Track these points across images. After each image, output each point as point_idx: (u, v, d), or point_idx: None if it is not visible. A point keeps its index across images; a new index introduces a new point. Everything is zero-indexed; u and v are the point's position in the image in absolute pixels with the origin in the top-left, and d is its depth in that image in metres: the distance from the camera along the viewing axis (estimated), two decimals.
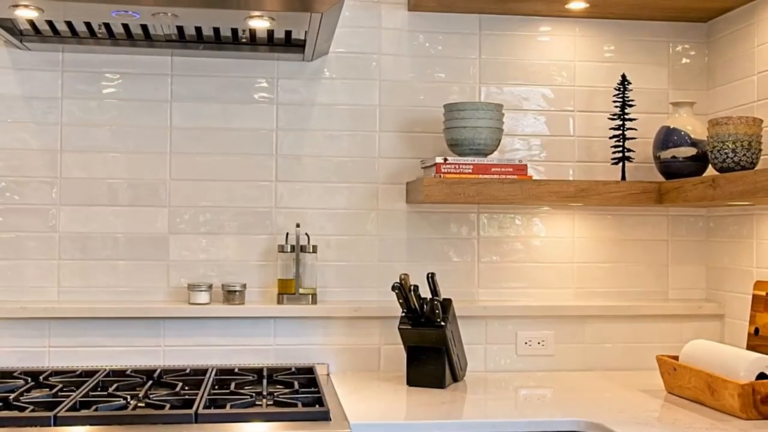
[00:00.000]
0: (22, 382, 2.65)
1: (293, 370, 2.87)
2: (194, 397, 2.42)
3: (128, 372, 2.79)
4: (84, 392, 2.47)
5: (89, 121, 2.99)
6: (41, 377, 2.69)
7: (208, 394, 2.45)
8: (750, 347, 2.79)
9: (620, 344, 3.15)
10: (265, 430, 2.18)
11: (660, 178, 3.09)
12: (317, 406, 2.35)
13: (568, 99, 3.20)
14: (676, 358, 2.70)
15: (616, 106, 3.11)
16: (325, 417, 2.26)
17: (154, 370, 2.80)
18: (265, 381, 2.72)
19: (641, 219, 3.23)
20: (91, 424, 2.18)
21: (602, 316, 3.14)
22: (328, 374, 2.98)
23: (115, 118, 3.00)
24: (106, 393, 2.48)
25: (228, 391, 2.52)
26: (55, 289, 2.96)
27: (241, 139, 3.05)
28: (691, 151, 2.92)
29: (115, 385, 2.58)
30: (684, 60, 3.26)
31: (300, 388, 2.59)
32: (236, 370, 2.84)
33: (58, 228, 2.97)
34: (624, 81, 3.03)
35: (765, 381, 2.33)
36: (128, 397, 2.40)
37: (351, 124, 3.11)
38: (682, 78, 3.26)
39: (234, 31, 2.77)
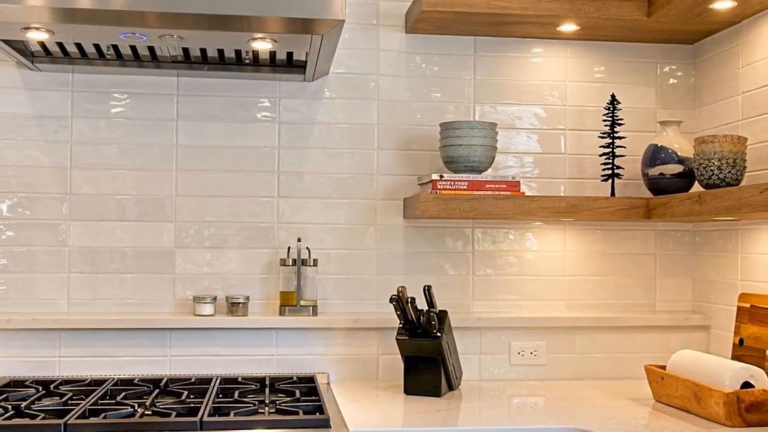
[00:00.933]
0: (33, 390, 2.66)
1: (295, 379, 2.88)
2: (199, 405, 2.43)
3: (135, 381, 2.81)
4: (93, 400, 2.48)
5: (98, 140, 3.01)
6: (52, 386, 2.71)
7: (213, 403, 2.46)
8: (735, 357, 2.81)
9: (610, 354, 3.16)
10: None
11: (648, 194, 3.11)
12: (318, 413, 2.36)
13: (559, 118, 3.23)
14: (663, 367, 2.72)
15: (606, 125, 3.13)
16: (325, 424, 2.27)
17: (161, 380, 2.82)
18: (267, 390, 2.73)
19: (630, 234, 3.25)
20: (99, 431, 2.20)
21: (592, 327, 3.15)
22: (328, 383, 2.99)
23: (122, 137, 3.02)
24: (114, 401, 2.49)
25: (232, 399, 2.53)
26: (65, 301, 2.98)
27: (244, 157, 3.07)
28: (678, 168, 2.94)
29: (123, 394, 2.59)
30: (671, 80, 3.29)
31: (301, 397, 2.60)
32: (240, 379, 2.86)
33: (68, 242, 2.98)
34: (613, 100, 3.05)
35: (749, 390, 2.34)
36: (136, 405, 2.41)
37: (350, 142, 3.13)
38: (670, 98, 3.28)
39: (237, 52, 2.79)
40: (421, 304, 3.07)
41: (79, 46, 2.69)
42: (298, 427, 2.25)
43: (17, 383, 2.77)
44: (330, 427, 2.27)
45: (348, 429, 2.28)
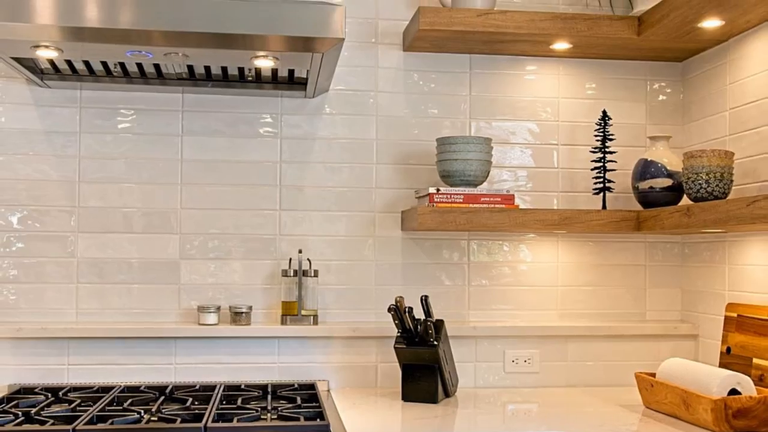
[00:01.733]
0: (42, 397, 2.66)
1: (296, 386, 2.89)
2: (203, 411, 2.44)
3: (142, 388, 2.81)
4: (101, 407, 2.49)
5: (105, 154, 3.03)
6: (61, 393, 2.72)
7: (217, 409, 2.47)
8: (722, 365, 2.82)
9: (601, 362, 3.17)
10: None
11: (638, 207, 3.13)
12: (318, 420, 2.37)
13: (552, 133, 3.24)
14: (653, 375, 2.73)
15: (597, 140, 3.15)
16: (325, 430, 2.28)
17: (166, 387, 2.82)
18: (269, 396, 2.74)
19: (621, 245, 3.26)
20: None
21: (584, 336, 3.16)
22: (328, 390, 3.00)
23: (129, 151, 3.04)
24: (121, 408, 2.51)
25: (235, 406, 2.54)
26: (74, 310, 2.99)
27: (247, 171, 3.09)
28: (667, 182, 2.95)
29: (129, 401, 2.60)
30: (661, 97, 3.31)
31: (302, 403, 2.61)
32: (243, 387, 2.86)
33: (76, 254, 3.00)
34: (605, 116, 3.07)
35: (736, 396, 2.35)
36: (142, 411, 2.42)
37: (350, 156, 3.14)
38: (659, 114, 3.30)
39: (241, 69, 2.80)
40: (419, 314, 3.08)
41: (87, 63, 2.71)
42: None
43: (27, 390, 2.78)
44: None
45: None
